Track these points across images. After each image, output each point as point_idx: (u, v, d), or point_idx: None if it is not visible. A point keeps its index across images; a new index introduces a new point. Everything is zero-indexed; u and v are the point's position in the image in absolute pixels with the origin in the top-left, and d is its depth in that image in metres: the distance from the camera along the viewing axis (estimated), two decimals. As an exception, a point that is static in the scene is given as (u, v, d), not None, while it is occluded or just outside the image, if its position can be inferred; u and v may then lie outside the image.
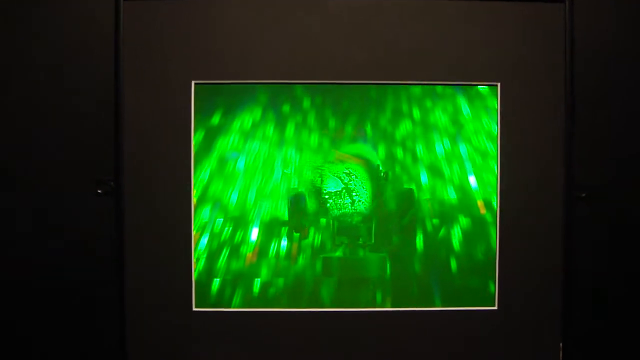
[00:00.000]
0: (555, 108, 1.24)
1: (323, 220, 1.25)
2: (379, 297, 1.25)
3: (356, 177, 1.25)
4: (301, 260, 1.25)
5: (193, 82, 1.23)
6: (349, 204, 1.26)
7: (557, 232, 1.24)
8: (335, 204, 1.25)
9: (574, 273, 1.25)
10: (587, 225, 1.26)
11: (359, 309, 1.25)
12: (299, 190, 1.25)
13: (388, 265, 1.24)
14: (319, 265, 1.25)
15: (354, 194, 1.26)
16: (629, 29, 1.26)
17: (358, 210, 1.25)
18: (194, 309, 1.24)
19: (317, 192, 1.25)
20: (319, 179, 1.25)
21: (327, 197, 1.25)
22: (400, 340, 1.25)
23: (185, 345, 1.24)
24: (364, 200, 1.25)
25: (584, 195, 1.26)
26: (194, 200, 1.24)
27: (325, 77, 1.23)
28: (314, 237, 1.25)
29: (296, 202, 1.24)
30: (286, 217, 1.24)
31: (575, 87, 1.24)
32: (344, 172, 1.25)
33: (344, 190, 1.26)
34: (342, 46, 1.23)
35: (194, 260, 1.24)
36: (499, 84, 1.24)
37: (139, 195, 1.23)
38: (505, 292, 1.25)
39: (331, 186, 1.26)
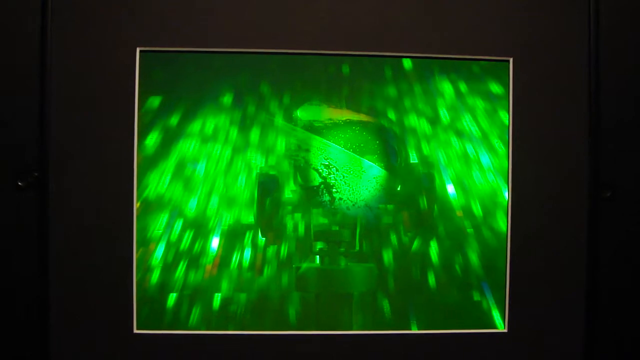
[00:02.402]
0: (577, 90, 1.03)
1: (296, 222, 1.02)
2: (361, 317, 1.02)
3: (337, 171, 1.03)
4: (267, 272, 1.02)
5: (138, 49, 1.00)
6: (328, 202, 1.03)
7: (579, 238, 1.03)
8: (312, 202, 1.03)
9: (599, 288, 1.04)
10: (614, 230, 1.05)
11: (338, 332, 1.02)
12: (271, 173, 1.02)
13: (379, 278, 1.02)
14: (290, 278, 1.02)
15: (334, 190, 1.03)
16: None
17: (339, 210, 1.03)
18: (135, 331, 1.01)
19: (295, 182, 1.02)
20: (292, 170, 1.02)
21: (302, 191, 1.03)
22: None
23: None
24: (345, 199, 1.03)
25: (609, 194, 1.05)
26: (136, 196, 1.00)
27: (296, 46, 1.01)
28: (284, 245, 1.02)
29: (267, 188, 1.01)
30: (252, 219, 1.01)
31: (602, 64, 1.03)
32: (322, 164, 1.03)
33: (322, 186, 1.03)
34: (328, 12, 1.01)
35: (135, 269, 1.00)
36: (510, 59, 1.03)
37: (69, 190, 0.99)
38: (517, 311, 1.04)
39: (307, 180, 1.03)
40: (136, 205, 1.00)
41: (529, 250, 1.04)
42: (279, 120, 1.02)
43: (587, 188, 1.04)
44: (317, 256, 1.02)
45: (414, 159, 1.03)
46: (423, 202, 1.03)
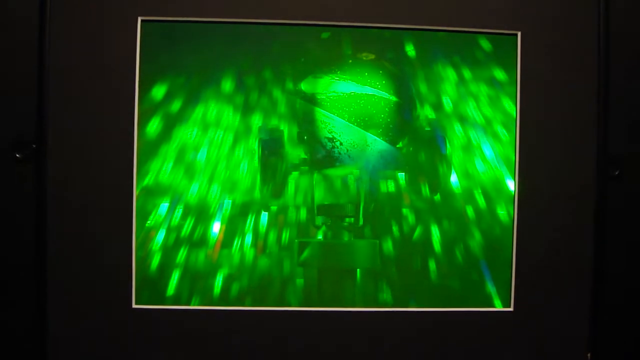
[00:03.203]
0: (585, 66, 1.01)
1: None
2: (366, 293, 1.00)
3: (341, 144, 1.01)
4: (271, 243, 1.00)
5: (140, 19, 0.97)
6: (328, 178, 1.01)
7: (586, 218, 1.01)
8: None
9: (605, 269, 1.02)
10: (622, 209, 1.03)
11: (342, 308, 1.00)
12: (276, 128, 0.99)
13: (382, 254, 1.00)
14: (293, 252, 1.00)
15: (337, 163, 1.01)
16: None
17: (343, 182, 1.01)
18: (134, 306, 0.98)
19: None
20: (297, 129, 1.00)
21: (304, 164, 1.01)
22: (396, 347, 1.00)
23: (120, 347, 0.98)
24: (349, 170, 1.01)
25: (617, 172, 1.03)
26: (136, 167, 0.98)
27: (297, 17, 0.99)
28: (288, 215, 1.00)
29: (270, 146, 0.99)
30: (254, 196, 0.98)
31: (612, 39, 1.01)
32: (325, 137, 1.01)
33: (326, 159, 1.01)
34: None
35: (135, 242, 0.98)
36: (518, 33, 1.01)
37: (68, 161, 0.97)
38: (523, 291, 1.01)
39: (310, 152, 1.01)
40: (135, 178, 0.98)
41: (536, 231, 1.01)
42: (278, 92, 0.99)
43: (595, 166, 1.02)
44: (321, 230, 1.00)
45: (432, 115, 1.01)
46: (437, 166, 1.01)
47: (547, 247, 1.02)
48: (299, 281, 1.00)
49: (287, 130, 0.99)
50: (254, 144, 0.98)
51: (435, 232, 1.01)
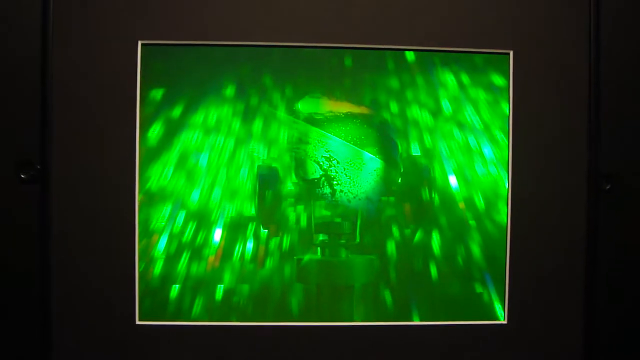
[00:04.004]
0: (576, 83, 1.04)
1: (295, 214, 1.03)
2: (363, 308, 1.03)
3: (338, 163, 1.03)
4: (269, 264, 1.02)
5: (140, 42, 1.00)
6: (329, 195, 1.03)
7: (578, 231, 1.04)
8: (313, 195, 1.03)
9: (598, 280, 1.04)
10: (613, 222, 1.06)
11: (339, 323, 1.03)
12: (273, 165, 1.02)
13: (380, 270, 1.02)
14: (291, 269, 1.02)
15: (334, 182, 1.03)
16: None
17: (340, 203, 1.03)
18: (137, 322, 1.01)
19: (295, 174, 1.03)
20: (293, 162, 1.03)
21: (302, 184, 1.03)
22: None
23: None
24: (346, 191, 1.03)
25: (608, 187, 1.05)
26: (138, 186, 1.00)
27: (298, 39, 1.01)
28: (285, 237, 1.02)
29: (267, 180, 1.02)
30: (253, 212, 1.01)
31: (603, 56, 1.03)
32: (323, 157, 1.03)
33: (323, 178, 1.03)
34: (336, 6, 1.01)
35: (137, 261, 1.00)
36: (511, 52, 1.03)
37: (71, 181, 0.99)
38: (516, 303, 1.04)
39: (308, 173, 1.03)
40: (137, 195, 1.00)
41: (529, 242, 1.04)
42: (281, 112, 1.02)
43: (586, 180, 1.04)
44: (319, 248, 1.03)
45: (416, 151, 1.03)
46: (425, 194, 1.03)
47: (540, 262, 1.04)
48: (298, 297, 1.02)
49: (285, 163, 1.02)
50: (255, 179, 1.01)
51: (436, 240, 1.03)
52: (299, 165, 1.02)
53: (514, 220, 1.04)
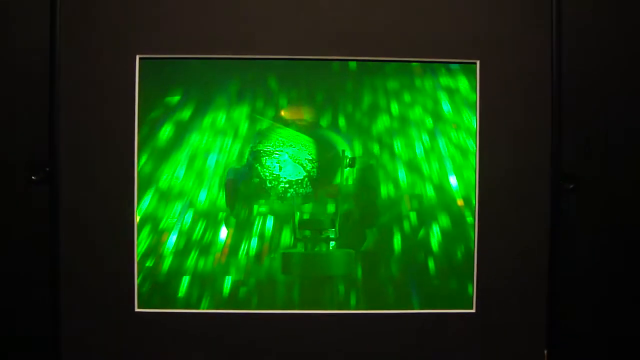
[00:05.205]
0: (541, 90, 1.12)
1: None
2: (342, 297, 1.12)
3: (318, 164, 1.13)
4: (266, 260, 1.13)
5: (138, 57, 1.10)
6: (313, 194, 1.13)
7: (542, 227, 1.12)
8: (296, 194, 1.12)
9: (560, 273, 1.13)
10: (575, 220, 1.14)
11: (321, 310, 1.12)
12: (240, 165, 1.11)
13: (357, 262, 1.11)
14: (277, 262, 1.12)
15: (317, 182, 1.13)
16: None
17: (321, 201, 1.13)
18: (137, 309, 1.11)
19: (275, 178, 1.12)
20: (277, 165, 1.12)
21: (287, 185, 1.12)
22: (367, 346, 1.12)
23: (126, 349, 1.11)
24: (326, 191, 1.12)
25: (571, 187, 1.14)
26: (137, 186, 1.10)
27: (286, 52, 1.11)
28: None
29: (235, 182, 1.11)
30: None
31: (564, 65, 1.12)
32: (306, 159, 1.12)
33: (306, 179, 1.13)
34: (310, 19, 1.10)
35: (136, 257, 1.10)
36: (477, 62, 1.12)
37: (78, 182, 1.10)
38: (484, 293, 1.12)
39: (291, 174, 1.13)
40: (136, 194, 1.10)
41: (495, 238, 1.12)
42: (266, 121, 1.11)
43: (550, 179, 1.12)
44: (301, 242, 1.12)
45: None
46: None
47: (506, 255, 1.12)
48: (284, 287, 1.12)
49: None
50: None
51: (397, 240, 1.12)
52: (283, 167, 1.12)
53: (481, 219, 1.12)
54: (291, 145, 1.12)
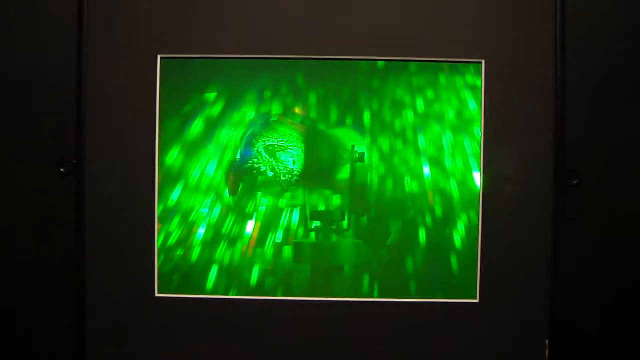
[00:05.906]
0: (545, 87, 1.15)
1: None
2: (353, 285, 1.17)
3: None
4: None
5: (159, 57, 1.16)
6: (323, 187, 1.18)
7: (546, 220, 1.16)
8: (307, 188, 1.18)
9: (562, 265, 1.16)
10: (578, 214, 1.17)
11: (331, 298, 1.18)
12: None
13: (364, 252, 1.17)
14: (289, 252, 1.18)
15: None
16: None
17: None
18: (157, 294, 1.18)
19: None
20: (291, 159, 1.18)
21: (299, 179, 1.18)
22: (373, 333, 1.18)
23: (148, 333, 1.18)
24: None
25: (575, 182, 1.17)
26: (158, 179, 1.17)
27: (303, 52, 1.16)
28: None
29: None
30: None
31: (567, 64, 1.15)
32: (316, 154, 1.18)
33: (317, 173, 1.18)
34: (320, 20, 1.16)
35: (157, 246, 1.17)
36: (483, 61, 1.16)
37: (103, 175, 1.17)
38: (488, 284, 1.17)
39: (303, 167, 1.18)
40: (158, 183, 1.16)
41: (499, 230, 1.16)
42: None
43: (553, 175, 1.16)
44: (313, 233, 1.18)
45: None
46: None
47: (510, 247, 1.16)
48: (296, 276, 1.18)
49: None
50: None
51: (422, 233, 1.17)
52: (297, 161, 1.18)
53: (486, 211, 1.16)
54: (304, 140, 1.18)
